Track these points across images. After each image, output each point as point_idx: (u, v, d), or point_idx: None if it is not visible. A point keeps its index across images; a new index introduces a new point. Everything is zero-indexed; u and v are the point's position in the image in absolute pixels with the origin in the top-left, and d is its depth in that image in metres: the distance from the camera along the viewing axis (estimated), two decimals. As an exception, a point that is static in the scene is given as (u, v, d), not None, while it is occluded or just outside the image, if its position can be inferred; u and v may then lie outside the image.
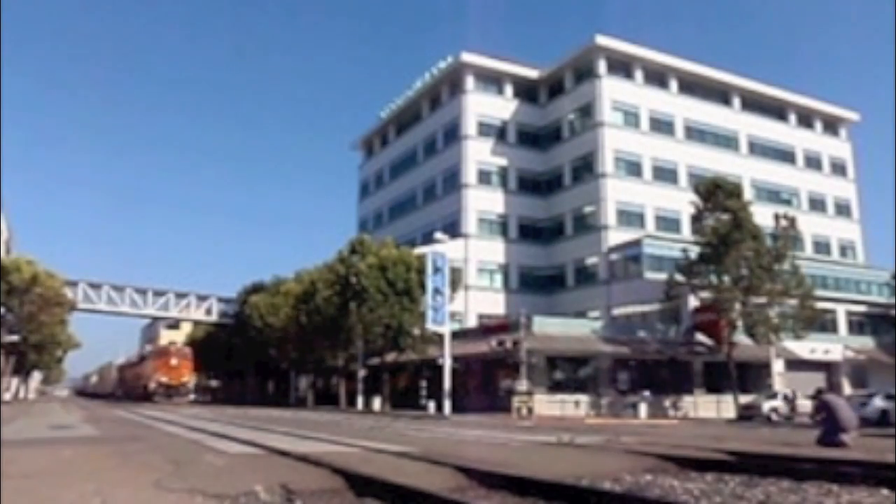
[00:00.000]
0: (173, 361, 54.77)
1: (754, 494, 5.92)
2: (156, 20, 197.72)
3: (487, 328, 43.17)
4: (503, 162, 58.41)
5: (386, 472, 6.27)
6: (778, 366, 43.17)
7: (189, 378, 56.10)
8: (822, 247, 61.04)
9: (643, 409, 35.90)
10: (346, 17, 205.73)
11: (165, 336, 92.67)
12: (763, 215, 39.68)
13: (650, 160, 55.45)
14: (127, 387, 69.10)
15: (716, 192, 38.42)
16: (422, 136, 64.65)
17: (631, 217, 53.51)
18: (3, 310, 47.98)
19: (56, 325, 54.43)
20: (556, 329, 40.96)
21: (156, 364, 55.72)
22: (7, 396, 56.71)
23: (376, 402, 42.38)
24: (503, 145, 58.77)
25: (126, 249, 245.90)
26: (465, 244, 54.56)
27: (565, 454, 10.04)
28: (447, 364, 34.44)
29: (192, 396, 56.30)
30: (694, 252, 39.05)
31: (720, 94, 60.92)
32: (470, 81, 58.92)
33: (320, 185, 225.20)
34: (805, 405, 36.23)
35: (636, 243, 49.43)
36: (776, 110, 63.87)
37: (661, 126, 56.99)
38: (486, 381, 40.17)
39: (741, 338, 38.79)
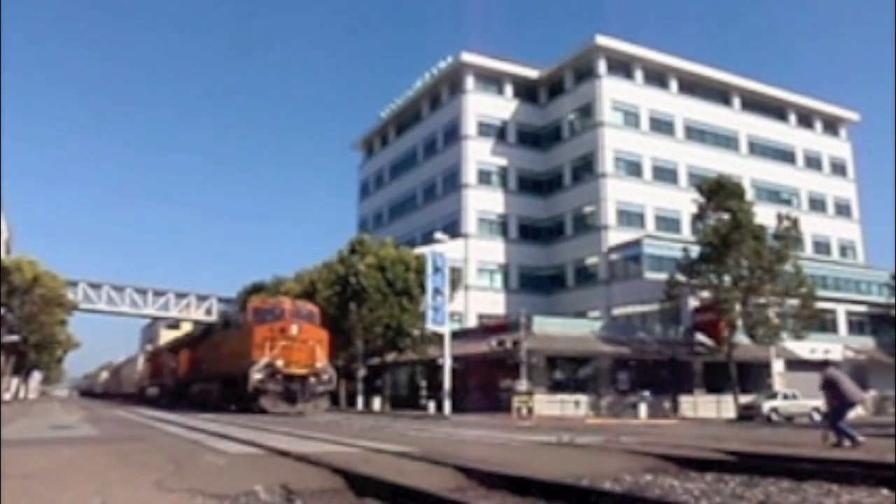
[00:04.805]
0: (293, 329, 27.79)
1: (754, 494, 5.91)
2: (156, 20, 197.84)
3: (487, 328, 43.18)
4: (503, 162, 58.43)
5: (386, 472, 6.27)
6: (778, 366, 43.21)
7: (325, 361, 28.56)
8: (822, 247, 61.10)
9: (643, 409, 35.92)
10: (346, 16, 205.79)
11: (165, 336, 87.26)
12: (763, 215, 39.70)
13: (650, 160, 55.49)
14: (176, 381, 42.84)
15: (718, 192, 38.44)
16: (422, 136, 64.68)
17: (631, 217, 53.54)
18: (3, 310, 47.97)
19: (56, 325, 54.42)
20: (556, 329, 40.97)
21: (258, 335, 27.49)
22: (7, 396, 56.69)
23: (376, 402, 42.37)
24: (503, 145, 58.79)
25: (126, 249, 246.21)
26: (465, 244, 54.58)
27: (565, 454, 10.04)
28: (447, 364, 34.45)
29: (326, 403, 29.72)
30: (694, 252, 39.07)
31: (720, 94, 60.94)
32: (470, 81, 58.93)
33: (320, 185, 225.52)
34: (804, 405, 36.39)
35: (636, 243, 49.48)
36: (776, 110, 63.90)
37: (661, 126, 57.02)
38: (486, 381, 40.17)
39: (741, 338, 38.81)
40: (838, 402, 13.03)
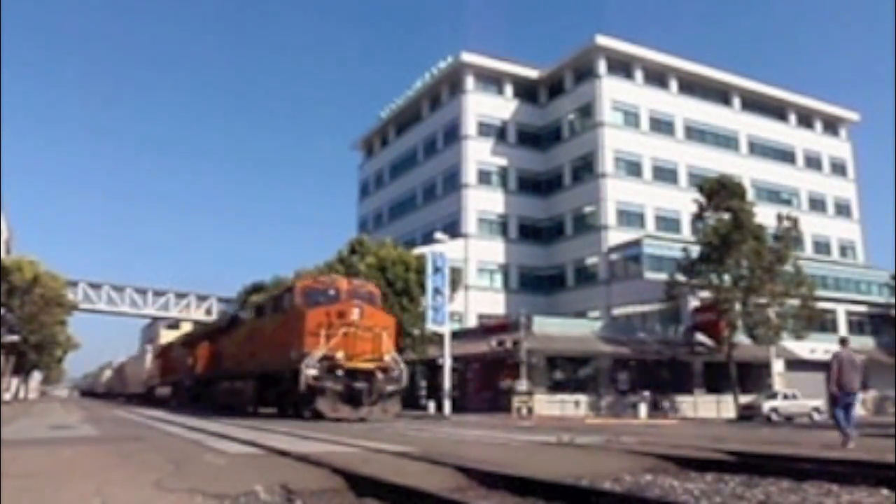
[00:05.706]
0: (354, 313, 21.59)
1: (754, 494, 5.91)
2: (156, 20, 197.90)
3: (487, 328, 43.18)
4: (503, 162, 58.44)
5: (386, 472, 6.26)
6: (778, 366, 43.23)
7: (394, 352, 22.53)
8: (822, 247, 61.12)
9: (643, 409, 35.94)
10: (347, 17, 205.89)
11: (165, 336, 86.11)
12: (763, 215, 39.73)
13: (650, 160, 55.51)
14: (194, 380, 36.59)
15: (719, 192, 38.45)
16: (422, 136, 64.69)
17: (631, 217, 53.55)
18: (3, 310, 47.94)
19: (56, 325, 54.41)
20: (556, 329, 40.98)
21: (311, 321, 21.56)
22: (7, 396, 56.69)
23: (376, 402, 42.31)
24: (503, 145, 58.80)
25: (126, 249, 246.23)
26: (465, 244, 54.58)
27: (565, 454, 10.03)
28: (447, 364, 34.42)
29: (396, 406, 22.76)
30: (694, 252, 39.08)
31: (720, 94, 60.96)
32: (470, 81, 58.94)
33: (320, 185, 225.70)
34: (804, 405, 36.43)
35: (636, 243, 49.50)
36: (776, 110, 63.92)
37: (661, 126, 57.04)
38: (486, 381, 40.18)
39: (741, 338, 38.82)
40: (836, 387, 12.92)
